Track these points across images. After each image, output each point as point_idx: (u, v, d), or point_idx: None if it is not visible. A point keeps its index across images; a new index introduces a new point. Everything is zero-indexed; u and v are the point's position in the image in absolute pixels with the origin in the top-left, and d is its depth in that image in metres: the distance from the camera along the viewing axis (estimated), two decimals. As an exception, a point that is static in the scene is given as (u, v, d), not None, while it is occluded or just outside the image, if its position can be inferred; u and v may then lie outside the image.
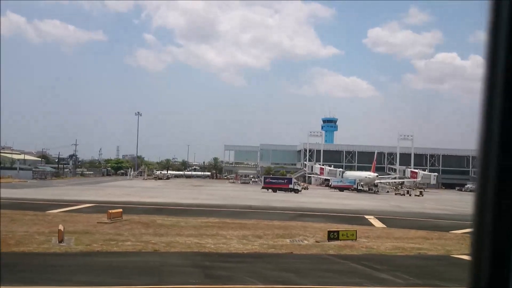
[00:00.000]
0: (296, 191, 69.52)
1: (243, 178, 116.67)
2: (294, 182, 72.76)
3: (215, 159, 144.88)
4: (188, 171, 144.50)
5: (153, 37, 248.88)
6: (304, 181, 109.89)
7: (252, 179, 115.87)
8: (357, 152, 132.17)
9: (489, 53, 0.97)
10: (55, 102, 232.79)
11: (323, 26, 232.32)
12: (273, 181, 75.20)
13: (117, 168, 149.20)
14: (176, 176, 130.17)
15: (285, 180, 75.29)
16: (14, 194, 46.87)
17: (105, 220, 27.68)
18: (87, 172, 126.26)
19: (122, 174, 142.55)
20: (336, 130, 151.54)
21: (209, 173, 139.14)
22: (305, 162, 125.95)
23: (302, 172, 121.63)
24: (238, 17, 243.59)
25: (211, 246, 20.31)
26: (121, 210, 29.42)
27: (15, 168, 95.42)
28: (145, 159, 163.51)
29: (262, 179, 79.27)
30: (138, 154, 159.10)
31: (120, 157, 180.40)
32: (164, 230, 25.52)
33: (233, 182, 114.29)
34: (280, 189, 69.61)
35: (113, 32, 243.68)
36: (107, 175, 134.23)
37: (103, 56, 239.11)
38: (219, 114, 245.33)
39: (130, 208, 34.83)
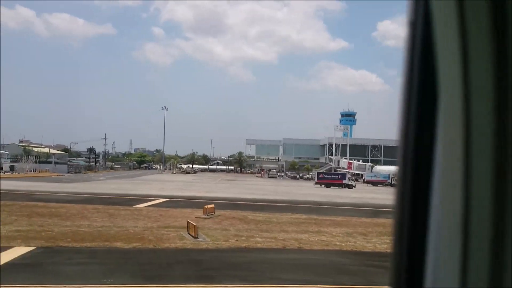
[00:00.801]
0: (350, 186, 69.72)
1: (271, 173, 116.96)
2: (348, 178, 72.97)
3: (240, 153, 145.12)
4: (211, 165, 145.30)
5: (161, 31, 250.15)
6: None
7: (278, 174, 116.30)
8: (383, 146, 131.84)
9: (407, 55, 1.01)
10: (62, 96, 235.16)
11: (332, 19, 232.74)
12: (327, 176, 75.48)
13: (140, 162, 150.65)
14: (201, 170, 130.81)
15: (339, 176, 75.30)
16: (75, 188, 47.46)
17: (202, 215, 27.99)
18: (115, 166, 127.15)
19: (146, 168, 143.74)
20: (355, 124, 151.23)
21: (232, 167, 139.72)
22: (330, 156, 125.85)
23: (328, 167, 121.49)
24: (246, 11, 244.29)
25: (336, 243, 20.49)
26: (213, 205, 29.69)
27: (50, 162, 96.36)
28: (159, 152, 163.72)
29: (316, 175, 79.49)
30: (153, 148, 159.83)
31: (132, 151, 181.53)
32: (265, 226, 25.69)
33: (261, 176, 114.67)
34: (334, 185, 69.90)
35: (122, 26, 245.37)
36: (133, 168, 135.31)
37: (111, 50, 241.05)
38: (226, 108, 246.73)
39: (205, 203, 35.18)
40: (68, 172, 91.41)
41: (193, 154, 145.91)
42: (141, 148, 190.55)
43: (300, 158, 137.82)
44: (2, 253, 14.91)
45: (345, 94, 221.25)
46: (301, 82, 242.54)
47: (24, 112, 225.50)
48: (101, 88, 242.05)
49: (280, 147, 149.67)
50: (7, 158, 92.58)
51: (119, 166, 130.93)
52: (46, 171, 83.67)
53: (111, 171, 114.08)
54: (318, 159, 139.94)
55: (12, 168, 76.72)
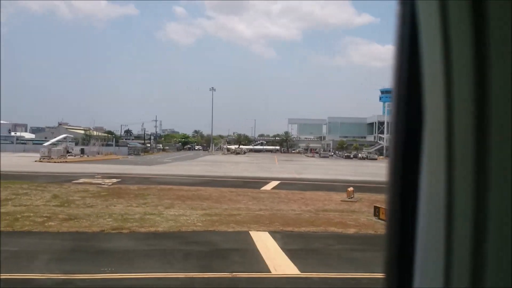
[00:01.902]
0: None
1: (323, 153, 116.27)
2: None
3: (286, 133, 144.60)
4: (254, 145, 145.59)
5: (183, 10, 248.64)
6: (381, 155, 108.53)
7: (329, 153, 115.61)
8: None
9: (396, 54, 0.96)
10: (85, 79, 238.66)
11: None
12: None
13: (184, 143, 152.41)
14: (249, 151, 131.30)
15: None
16: (169, 171, 47.92)
17: (346, 198, 27.66)
18: (166, 148, 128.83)
19: (189, 149, 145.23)
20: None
21: (277, 147, 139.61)
22: (380, 135, 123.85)
23: (379, 146, 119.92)
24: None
25: None
26: (352, 188, 29.32)
27: (111, 145, 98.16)
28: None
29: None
30: (179, 129, 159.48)
31: (161, 132, 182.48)
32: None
33: (312, 156, 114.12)
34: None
35: (144, 6, 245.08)
36: (180, 150, 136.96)
37: (134, 30, 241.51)
38: (249, 88, 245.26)
39: (317, 185, 34.91)
40: (129, 154, 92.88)
41: (239, 135, 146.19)
42: (169, 129, 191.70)
43: (346, 137, 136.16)
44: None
45: (372, 70, 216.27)
46: (326, 58, 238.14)
47: (54, 95, 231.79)
48: (124, 69, 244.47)
49: (324, 126, 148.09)
50: (69, 142, 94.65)
51: (167, 147, 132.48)
52: (110, 154, 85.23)
53: (164, 152, 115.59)
54: (365, 137, 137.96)
55: (82, 152, 78.37)
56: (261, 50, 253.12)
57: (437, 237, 0.88)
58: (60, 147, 72.15)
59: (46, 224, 17.12)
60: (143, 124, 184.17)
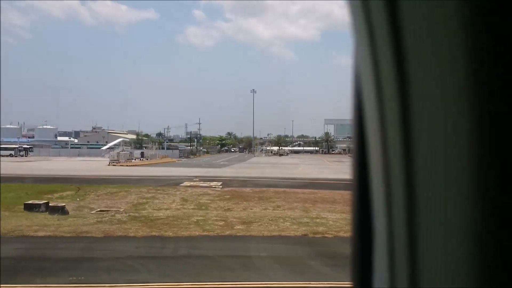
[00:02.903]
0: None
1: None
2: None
3: (327, 133, 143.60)
4: (291, 146, 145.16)
5: (202, 13, 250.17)
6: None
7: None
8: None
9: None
10: (107, 83, 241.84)
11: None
12: None
13: (221, 145, 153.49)
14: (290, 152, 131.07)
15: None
16: (246, 173, 48.03)
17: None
18: (209, 150, 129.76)
19: (227, 151, 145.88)
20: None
21: (316, 148, 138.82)
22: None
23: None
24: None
25: None
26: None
27: (163, 148, 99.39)
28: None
29: None
30: (206, 132, 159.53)
31: (183, 135, 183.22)
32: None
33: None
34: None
35: (164, 10, 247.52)
36: (219, 152, 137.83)
37: (155, 35, 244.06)
38: (269, 89, 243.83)
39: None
40: (180, 156, 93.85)
41: (279, 136, 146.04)
42: (193, 132, 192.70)
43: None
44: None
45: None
46: (345, 59, 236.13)
47: (73, 99, 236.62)
48: (144, 73, 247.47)
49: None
50: (124, 146, 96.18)
51: (210, 150, 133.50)
52: (166, 156, 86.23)
53: (208, 154, 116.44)
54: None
55: (142, 155, 79.52)
56: (280, 51, 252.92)
57: (381, 237, 0.89)
58: (123, 151, 73.30)
59: (236, 227, 17.26)
60: (168, 127, 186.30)
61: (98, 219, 18.69)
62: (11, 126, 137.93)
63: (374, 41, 0.82)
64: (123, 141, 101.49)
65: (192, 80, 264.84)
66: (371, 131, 0.90)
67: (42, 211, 20.72)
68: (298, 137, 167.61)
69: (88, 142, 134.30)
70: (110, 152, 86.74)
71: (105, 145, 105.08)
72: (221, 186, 32.34)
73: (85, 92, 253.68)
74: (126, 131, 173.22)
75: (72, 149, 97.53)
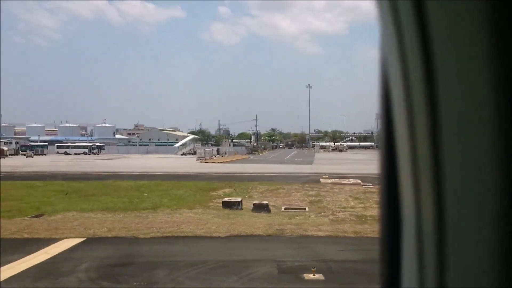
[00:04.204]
0: None
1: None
2: None
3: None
4: (343, 142, 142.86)
5: (227, 9, 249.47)
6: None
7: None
8: None
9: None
10: (132, 79, 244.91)
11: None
12: None
13: (269, 141, 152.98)
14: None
15: None
16: (350, 170, 46.93)
17: None
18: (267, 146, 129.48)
19: (276, 147, 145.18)
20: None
21: (369, 144, 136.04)
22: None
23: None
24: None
25: None
26: None
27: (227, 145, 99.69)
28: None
29: None
30: (235, 128, 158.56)
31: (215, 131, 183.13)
32: None
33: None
34: None
35: (190, 7, 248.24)
36: (272, 148, 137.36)
37: (180, 33, 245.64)
38: (296, 83, 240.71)
39: None
40: (246, 153, 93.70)
41: (334, 132, 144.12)
42: (224, 127, 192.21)
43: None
44: None
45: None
46: (374, 51, 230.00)
47: (101, 97, 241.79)
48: (171, 70, 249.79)
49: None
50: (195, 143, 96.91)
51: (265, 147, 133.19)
52: (236, 153, 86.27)
53: (266, 151, 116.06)
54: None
55: (218, 152, 79.86)
56: (306, 46, 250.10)
57: (409, 237, 0.86)
58: (206, 149, 73.80)
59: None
60: (200, 124, 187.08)
61: (332, 218, 18.04)
62: (69, 125, 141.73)
63: (402, 39, 0.82)
64: (193, 138, 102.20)
65: (218, 76, 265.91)
66: (399, 127, 0.88)
67: (239, 209, 20.34)
68: (332, 132, 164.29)
69: (141, 139, 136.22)
70: (183, 150, 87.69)
71: (176, 142, 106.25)
72: (363, 183, 31.37)
73: (118, 90, 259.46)
74: (171, 128, 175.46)
75: (140, 146, 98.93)
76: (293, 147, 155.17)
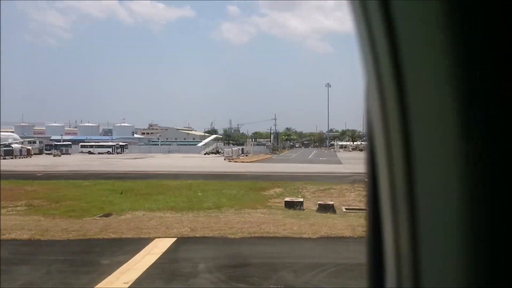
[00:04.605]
0: None
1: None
2: None
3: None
4: (361, 141, 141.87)
5: (237, 9, 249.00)
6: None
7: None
8: None
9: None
10: (141, 80, 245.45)
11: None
12: None
13: (285, 140, 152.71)
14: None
15: None
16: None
17: None
18: (286, 146, 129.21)
19: (292, 147, 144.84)
20: None
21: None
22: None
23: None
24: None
25: None
26: None
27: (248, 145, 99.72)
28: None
29: None
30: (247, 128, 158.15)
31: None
32: None
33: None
34: None
35: (200, 7, 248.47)
36: (292, 147, 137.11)
37: (190, 32, 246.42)
38: (308, 82, 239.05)
39: None
40: (267, 153, 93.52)
41: (354, 131, 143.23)
42: (234, 127, 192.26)
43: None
44: None
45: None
46: None
47: (111, 97, 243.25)
48: (180, 69, 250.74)
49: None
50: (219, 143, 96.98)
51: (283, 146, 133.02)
52: (259, 153, 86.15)
53: (286, 150, 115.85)
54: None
55: (242, 151, 79.89)
56: (316, 45, 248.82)
57: (388, 238, 0.87)
58: (232, 148, 73.83)
59: None
60: (212, 122, 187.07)
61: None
62: (89, 124, 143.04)
63: (373, 38, 0.83)
64: (216, 138, 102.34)
65: (227, 76, 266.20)
66: (376, 127, 0.89)
67: (301, 209, 20.07)
68: (351, 131, 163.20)
69: (158, 138, 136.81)
70: (206, 149, 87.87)
71: (197, 142, 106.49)
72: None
73: (127, 90, 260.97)
74: (185, 128, 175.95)
75: (162, 146, 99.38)
76: (309, 147, 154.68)
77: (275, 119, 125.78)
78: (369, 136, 0.96)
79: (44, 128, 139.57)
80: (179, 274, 9.55)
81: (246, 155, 75.54)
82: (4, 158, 65.98)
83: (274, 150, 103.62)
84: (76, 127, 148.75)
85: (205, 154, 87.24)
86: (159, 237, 13.55)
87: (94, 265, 10.33)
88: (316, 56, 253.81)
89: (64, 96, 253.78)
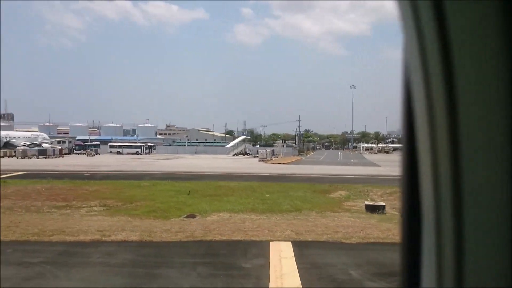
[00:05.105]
0: None
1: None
2: None
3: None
4: (385, 143, 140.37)
5: (250, 11, 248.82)
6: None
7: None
8: None
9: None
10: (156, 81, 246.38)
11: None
12: None
13: (307, 142, 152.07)
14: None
15: None
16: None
17: None
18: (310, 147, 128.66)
19: (313, 148, 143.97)
20: None
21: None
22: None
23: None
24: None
25: None
26: None
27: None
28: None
29: None
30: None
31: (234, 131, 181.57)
32: None
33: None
34: None
35: (213, 9, 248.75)
36: (314, 149, 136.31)
37: (204, 34, 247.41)
38: (324, 84, 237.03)
39: None
40: (295, 155, 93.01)
41: (377, 133, 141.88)
42: (248, 128, 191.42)
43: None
44: None
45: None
46: (398, 52, 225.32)
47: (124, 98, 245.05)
48: (193, 72, 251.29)
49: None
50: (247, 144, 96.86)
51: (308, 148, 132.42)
52: (288, 154, 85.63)
53: (310, 152, 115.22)
54: None
55: (273, 153, 79.62)
56: (330, 47, 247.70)
57: (429, 238, 0.86)
58: (264, 150, 73.71)
59: None
60: (226, 124, 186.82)
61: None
62: (112, 125, 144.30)
63: (423, 40, 0.82)
64: (245, 139, 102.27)
65: (241, 78, 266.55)
66: (420, 129, 0.88)
67: (383, 213, 19.55)
68: (375, 133, 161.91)
69: (186, 139, 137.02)
70: (235, 150, 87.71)
71: (226, 143, 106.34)
72: None
73: (140, 91, 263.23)
74: (203, 128, 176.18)
75: (189, 146, 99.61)
76: (330, 148, 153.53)
77: (299, 120, 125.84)
78: (407, 138, 0.93)
79: (68, 128, 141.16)
80: (341, 280, 9.17)
81: (276, 157, 75.11)
82: (37, 158, 66.73)
83: (300, 151, 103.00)
84: (98, 128, 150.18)
85: (233, 155, 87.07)
86: (272, 240, 13.21)
87: (240, 269, 10.01)
88: (330, 58, 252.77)
89: (77, 97, 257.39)
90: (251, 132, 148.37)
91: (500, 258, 0.73)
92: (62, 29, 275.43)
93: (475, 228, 0.77)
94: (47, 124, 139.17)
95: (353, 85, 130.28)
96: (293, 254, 11.39)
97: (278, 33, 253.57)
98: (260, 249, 12.02)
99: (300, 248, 12.24)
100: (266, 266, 10.16)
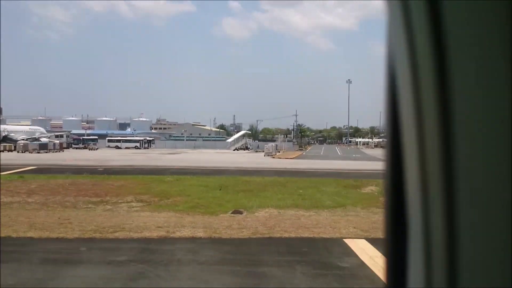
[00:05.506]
0: None
1: None
2: None
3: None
4: (378, 138, 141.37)
5: (238, 4, 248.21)
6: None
7: None
8: None
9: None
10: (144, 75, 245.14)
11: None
12: None
13: (302, 136, 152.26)
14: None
15: None
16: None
17: None
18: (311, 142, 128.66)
19: (309, 144, 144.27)
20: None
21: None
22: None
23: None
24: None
25: None
26: None
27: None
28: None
29: None
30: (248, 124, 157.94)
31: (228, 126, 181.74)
32: None
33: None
34: None
35: (201, 1, 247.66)
36: (309, 144, 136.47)
37: (191, 27, 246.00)
38: (314, 79, 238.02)
39: None
40: (295, 149, 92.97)
41: (372, 128, 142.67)
42: (237, 123, 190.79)
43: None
44: None
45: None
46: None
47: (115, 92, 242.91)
48: (182, 65, 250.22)
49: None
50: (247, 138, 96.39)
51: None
52: (289, 149, 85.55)
53: (308, 146, 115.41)
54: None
55: (276, 147, 79.37)
56: (318, 41, 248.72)
57: (417, 236, 0.85)
58: (273, 145, 73.48)
59: None
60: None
61: None
62: (107, 119, 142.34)
63: (413, 39, 0.80)
64: (245, 134, 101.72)
65: (229, 72, 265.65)
66: (406, 125, 0.86)
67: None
68: (370, 128, 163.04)
69: (182, 134, 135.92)
70: (236, 145, 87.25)
71: (224, 138, 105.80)
72: None
73: (129, 85, 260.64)
74: (195, 123, 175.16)
75: (188, 141, 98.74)
76: (324, 143, 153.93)
77: (296, 115, 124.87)
78: (392, 133, 0.92)
79: (61, 122, 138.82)
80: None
81: (279, 151, 75.00)
82: (38, 152, 65.45)
83: (299, 146, 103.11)
84: (87, 122, 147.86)
85: (234, 149, 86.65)
86: (344, 238, 12.99)
87: (340, 268, 9.75)
88: (319, 52, 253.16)
89: (66, 90, 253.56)
90: (239, 127, 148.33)
91: (495, 257, 0.71)
92: (49, 22, 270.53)
93: (471, 227, 0.74)
94: (41, 118, 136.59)
95: (349, 79, 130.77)
96: (379, 253, 11.15)
97: (266, 27, 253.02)
98: (340, 247, 11.79)
99: (379, 246, 12.02)
100: (363, 265, 9.91)
